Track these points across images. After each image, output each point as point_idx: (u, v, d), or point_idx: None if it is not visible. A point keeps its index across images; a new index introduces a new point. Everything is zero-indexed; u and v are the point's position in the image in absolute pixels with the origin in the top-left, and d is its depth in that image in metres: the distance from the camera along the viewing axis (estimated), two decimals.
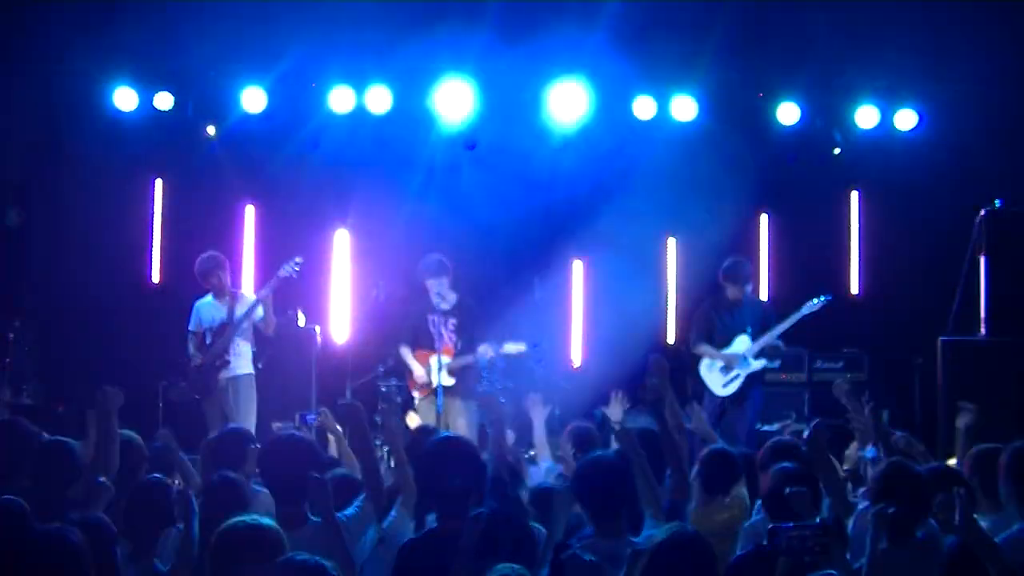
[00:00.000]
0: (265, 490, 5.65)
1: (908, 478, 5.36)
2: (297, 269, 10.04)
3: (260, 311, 10.02)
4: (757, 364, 10.34)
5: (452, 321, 10.23)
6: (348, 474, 6.20)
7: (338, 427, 7.20)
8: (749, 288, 10.53)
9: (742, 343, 10.36)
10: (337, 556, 4.65)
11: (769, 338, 10.30)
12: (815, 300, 10.48)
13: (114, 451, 6.12)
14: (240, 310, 10.01)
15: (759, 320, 10.41)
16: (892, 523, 5.00)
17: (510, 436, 7.64)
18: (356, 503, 5.37)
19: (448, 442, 5.25)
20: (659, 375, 6.37)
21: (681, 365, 10.39)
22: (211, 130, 12.16)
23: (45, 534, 4.41)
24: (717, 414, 10.18)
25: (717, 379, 10.37)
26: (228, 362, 9.94)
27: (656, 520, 5.51)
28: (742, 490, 6.61)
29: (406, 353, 10.39)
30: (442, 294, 10.20)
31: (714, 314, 10.54)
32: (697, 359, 10.47)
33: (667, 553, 4.24)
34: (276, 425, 7.40)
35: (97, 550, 4.52)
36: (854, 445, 7.50)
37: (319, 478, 5.04)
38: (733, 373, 10.34)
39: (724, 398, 10.32)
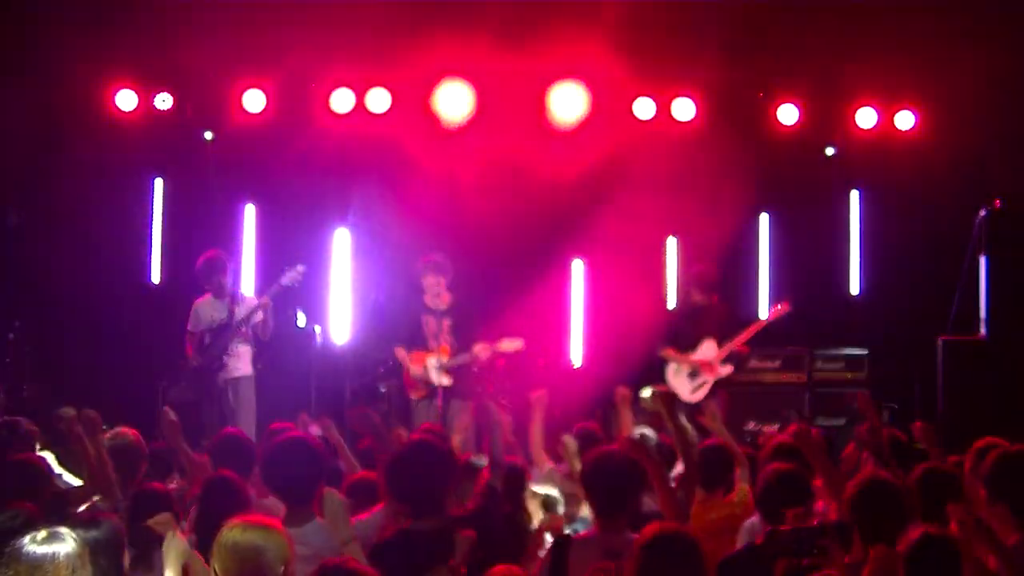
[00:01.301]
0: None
1: None
2: (300, 277, 10.02)
3: (259, 315, 10.00)
4: (724, 371, 10.34)
5: (447, 321, 10.19)
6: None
7: (338, 436, 7.21)
8: (716, 295, 10.59)
9: (709, 348, 10.36)
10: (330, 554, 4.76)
11: (735, 344, 10.34)
12: (777, 307, 10.70)
13: (107, 471, 6.09)
14: (240, 312, 10.00)
15: (725, 326, 10.42)
16: None
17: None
18: (376, 513, 5.42)
19: (417, 444, 5.27)
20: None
21: None
22: (208, 135, 12.19)
23: None
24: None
25: (684, 385, 10.32)
26: (226, 364, 9.93)
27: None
28: (745, 487, 6.57)
29: (402, 354, 10.38)
30: (438, 294, 10.18)
31: (680, 318, 10.58)
32: (663, 363, 10.46)
33: (650, 551, 4.21)
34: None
35: (106, 555, 4.52)
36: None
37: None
38: (701, 379, 10.34)
39: (691, 404, 10.20)
